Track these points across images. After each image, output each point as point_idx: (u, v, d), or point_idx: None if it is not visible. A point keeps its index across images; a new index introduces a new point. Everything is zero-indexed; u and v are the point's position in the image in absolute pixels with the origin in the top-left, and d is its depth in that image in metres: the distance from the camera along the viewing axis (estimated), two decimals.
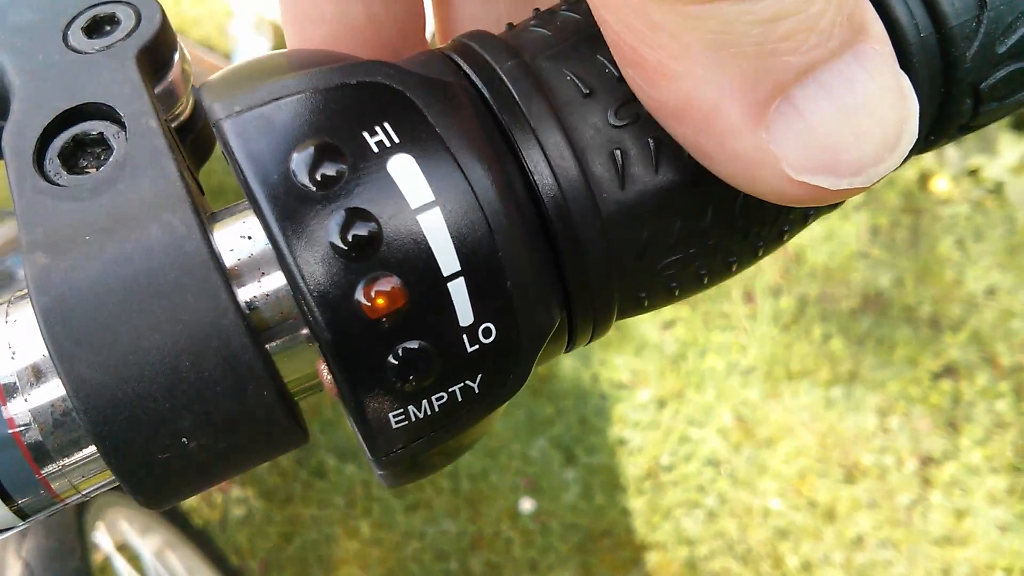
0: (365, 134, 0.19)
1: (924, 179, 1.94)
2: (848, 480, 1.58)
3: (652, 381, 1.72)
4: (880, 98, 0.18)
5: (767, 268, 1.85)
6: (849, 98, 0.18)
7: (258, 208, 0.18)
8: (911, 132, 0.19)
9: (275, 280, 0.19)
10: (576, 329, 0.23)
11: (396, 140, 0.19)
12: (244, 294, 0.19)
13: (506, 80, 0.21)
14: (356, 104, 0.20)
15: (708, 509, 1.58)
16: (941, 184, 1.93)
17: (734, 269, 0.24)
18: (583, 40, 0.22)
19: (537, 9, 0.24)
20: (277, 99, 0.19)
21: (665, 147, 0.20)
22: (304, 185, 0.18)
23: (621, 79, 0.20)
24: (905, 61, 0.21)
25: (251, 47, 2.06)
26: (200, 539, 1.26)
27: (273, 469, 1.64)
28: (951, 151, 1.88)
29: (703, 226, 0.22)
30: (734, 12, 0.17)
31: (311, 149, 0.18)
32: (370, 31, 0.26)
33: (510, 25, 0.24)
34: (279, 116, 0.19)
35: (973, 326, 1.74)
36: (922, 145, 0.24)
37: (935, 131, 0.24)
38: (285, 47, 0.26)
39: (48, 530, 0.86)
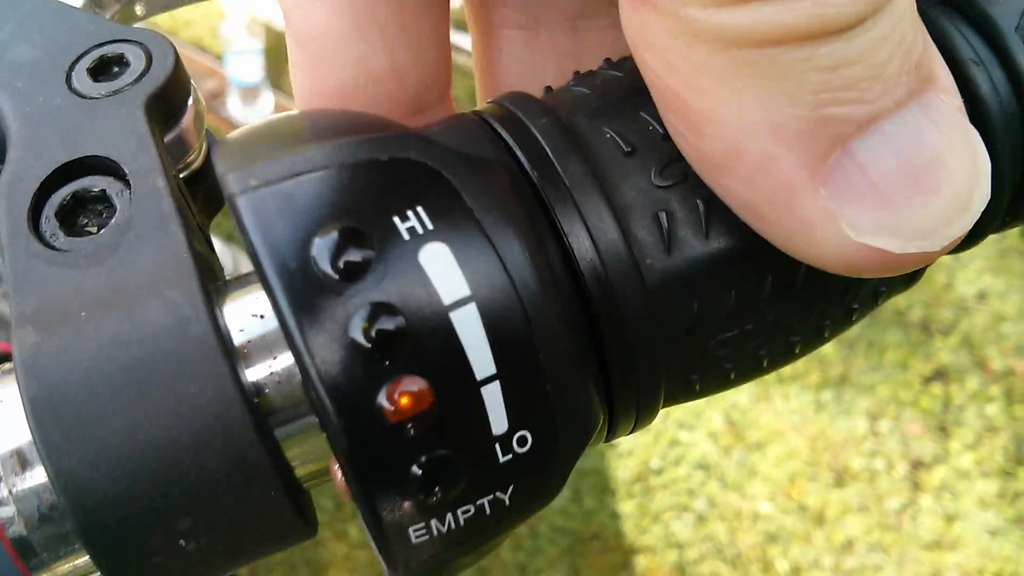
0: (396, 219, 0.17)
1: None
2: (838, 484, 1.58)
3: None
4: (949, 153, 0.17)
5: None
6: (915, 151, 0.16)
7: (273, 299, 0.17)
8: (983, 192, 0.17)
9: (287, 362, 0.18)
10: (617, 421, 0.21)
11: (430, 227, 0.17)
12: (252, 374, 0.18)
13: (540, 138, 0.19)
14: (387, 184, 0.18)
15: (698, 513, 1.57)
16: None
17: (797, 351, 0.22)
18: (625, 96, 0.20)
19: (577, 72, 0.22)
20: (298, 175, 0.17)
21: (716, 209, 0.19)
22: (325, 274, 0.16)
23: (667, 137, 0.19)
24: (988, 138, 0.20)
25: (243, 48, 2.06)
26: None
27: None
28: None
29: (761, 299, 0.20)
30: (794, 58, 0.15)
31: (335, 234, 0.17)
32: (392, 82, 0.23)
33: (548, 88, 0.22)
34: (300, 194, 0.17)
35: (964, 330, 1.74)
36: (999, 224, 0.22)
37: (1012, 211, 0.22)
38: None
39: None
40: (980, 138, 0.18)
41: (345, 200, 0.17)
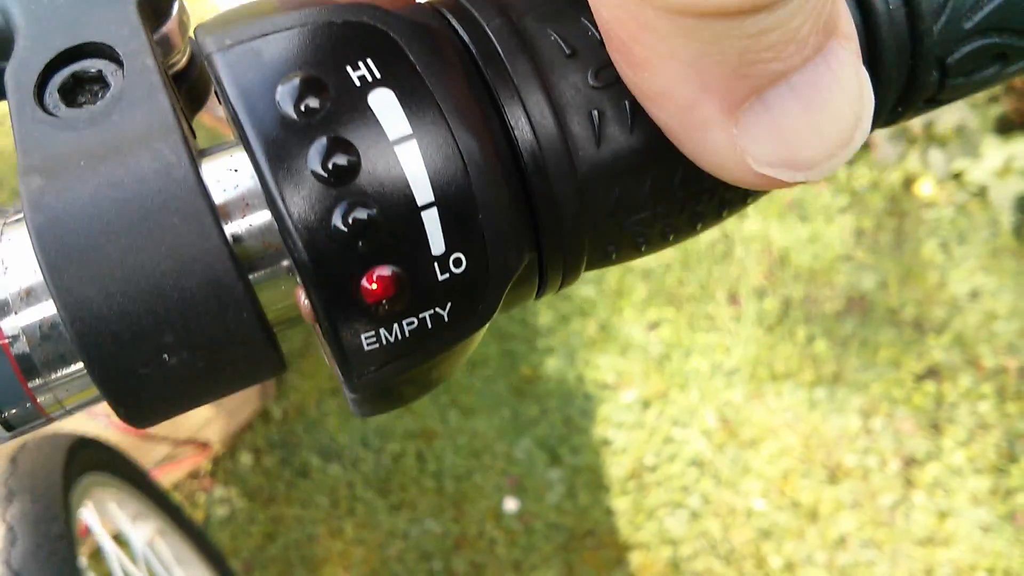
0: (348, 68, 0.20)
1: (909, 182, 1.95)
2: (831, 481, 1.59)
3: (637, 382, 1.72)
4: (841, 97, 0.19)
5: (751, 270, 1.85)
6: (814, 98, 0.19)
7: (244, 134, 0.19)
8: (864, 130, 0.20)
9: (260, 214, 0.20)
10: (546, 274, 0.23)
11: (378, 76, 0.20)
12: (230, 226, 0.20)
13: (492, 37, 0.22)
14: (341, 41, 0.20)
15: (692, 509, 1.58)
16: (926, 187, 1.94)
17: (699, 228, 0.24)
18: (570, 2, 0.22)
19: None
20: (266, 34, 0.20)
21: (640, 111, 0.21)
22: (288, 115, 0.19)
23: (603, 43, 0.21)
24: (873, 33, 0.22)
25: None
26: (192, 529, 1.25)
27: (257, 468, 1.64)
28: (936, 154, 1.89)
29: (672, 186, 0.22)
30: (725, 27, 0.18)
31: (296, 81, 0.19)
32: None
33: None
34: (267, 50, 0.20)
35: (956, 328, 1.75)
36: (888, 117, 0.25)
37: (902, 103, 0.24)
38: None
39: (33, 496, 0.87)
40: (868, 78, 0.20)
41: (305, 54, 0.20)
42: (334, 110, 0.19)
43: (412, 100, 0.20)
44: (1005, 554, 1.48)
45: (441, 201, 0.20)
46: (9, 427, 0.21)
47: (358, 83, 0.20)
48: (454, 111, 0.20)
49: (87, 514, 1.02)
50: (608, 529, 1.57)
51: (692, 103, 0.19)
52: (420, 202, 0.20)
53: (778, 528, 1.55)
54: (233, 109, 0.19)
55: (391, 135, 0.19)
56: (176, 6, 0.25)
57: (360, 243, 0.19)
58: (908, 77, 0.23)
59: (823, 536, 1.53)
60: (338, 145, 0.19)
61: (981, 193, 1.90)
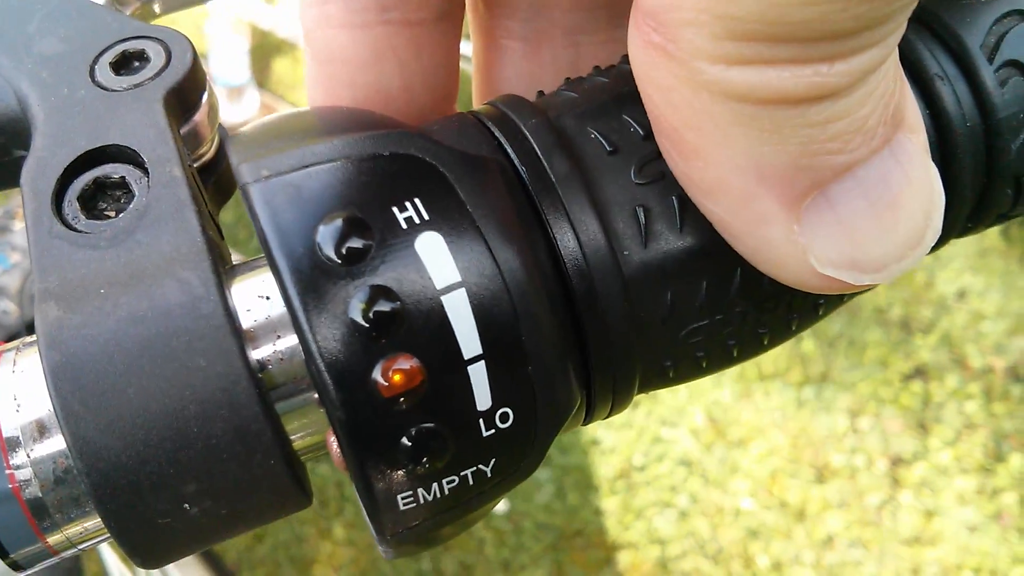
0: (395, 209, 0.18)
1: None
2: (819, 480, 1.59)
3: None
4: (910, 193, 0.18)
5: None
6: (882, 194, 0.18)
7: (280, 280, 0.18)
8: (935, 229, 0.19)
9: (290, 342, 0.19)
10: (595, 404, 0.22)
11: (426, 217, 0.19)
12: (258, 353, 0.19)
13: (529, 137, 0.21)
14: (387, 177, 0.19)
15: (680, 509, 1.58)
16: None
17: (766, 343, 0.23)
18: (610, 100, 0.21)
19: (568, 78, 0.23)
20: (306, 167, 0.19)
21: (690, 206, 0.20)
22: (329, 259, 0.18)
23: (647, 137, 0.20)
24: (949, 150, 0.21)
25: (228, 47, 2.06)
26: None
27: None
28: None
29: (731, 291, 0.21)
30: (788, 115, 0.16)
31: (339, 222, 0.18)
32: (403, 100, 0.25)
33: (541, 93, 0.23)
34: (308, 185, 0.19)
35: (943, 328, 1.75)
36: (960, 230, 0.24)
37: (973, 219, 0.23)
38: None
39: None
40: (938, 174, 0.19)
41: (349, 191, 0.19)
42: (378, 255, 0.18)
43: (461, 244, 0.19)
44: (991, 553, 1.49)
45: (489, 353, 0.18)
46: (18, 568, 0.20)
47: (405, 225, 0.18)
48: (505, 252, 0.19)
49: None
50: (597, 529, 1.57)
51: (749, 196, 0.18)
52: (467, 355, 0.18)
53: (766, 528, 1.55)
54: (269, 249, 0.18)
55: (438, 283, 0.18)
56: (205, 95, 0.24)
57: (401, 399, 0.18)
58: (982, 193, 0.22)
59: (810, 535, 1.54)
60: (381, 293, 0.18)
61: None
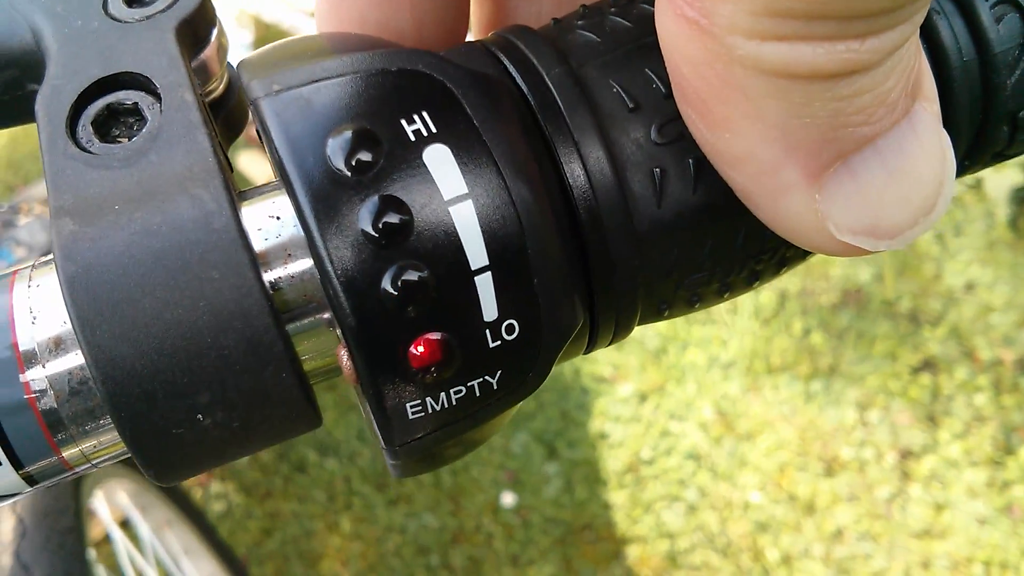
0: (403, 122, 0.19)
1: None
2: (828, 473, 1.59)
3: (633, 375, 1.72)
4: (925, 162, 0.19)
5: None
6: (900, 163, 0.18)
7: (291, 189, 0.18)
8: (946, 196, 0.19)
9: (301, 263, 0.19)
10: (598, 331, 0.22)
11: (433, 130, 0.19)
12: (269, 274, 0.19)
13: (552, 87, 0.21)
14: (396, 91, 0.19)
15: (689, 503, 1.58)
16: None
17: (755, 286, 0.24)
18: (633, 51, 0.21)
19: (584, 7, 0.23)
20: (317, 81, 0.19)
21: (705, 170, 0.20)
22: (339, 170, 0.18)
23: (668, 96, 0.20)
24: (946, 85, 0.21)
25: (231, 39, 2.05)
26: (200, 519, 1.25)
27: (254, 463, 1.64)
28: None
29: (734, 247, 0.22)
30: (818, 88, 0.17)
31: (348, 134, 0.18)
32: (414, 37, 0.25)
33: (555, 20, 0.23)
34: (318, 98, 0.19)
35: (952, 321, 1.75)
36: (958, 171, 0.24)
37: (970, 157, 0.23)
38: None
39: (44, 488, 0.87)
40: (950, 142, 0.19)
41: (358, 104, 0.19)
42: (387, 166, 0.18)
43: (468, 156, 0.19)
44: (1001, 546, 1.49)
45: (495, 265, 0.19)
46: (33, 481, 0.20)
47: (413, 137, 0.19)
48: (511, 168, 0.19)
49: (97, 504, 1.02)
50: (605, 523, 1.57)
51: (775, 167, 0.18)
52: (474, 266, 0.19)
53: (775, 521, 1.55)
54: (280, 160, 0.18)
55: (446, 194, 0.18)
56: (215, 31, 0.24)
57: (410, 308, 0.18)
58: (978, 131, 0.23)
59: (820, 529, 1.54)
60: (390, 204, 0.18)
61: (977, 185, 1.90)
